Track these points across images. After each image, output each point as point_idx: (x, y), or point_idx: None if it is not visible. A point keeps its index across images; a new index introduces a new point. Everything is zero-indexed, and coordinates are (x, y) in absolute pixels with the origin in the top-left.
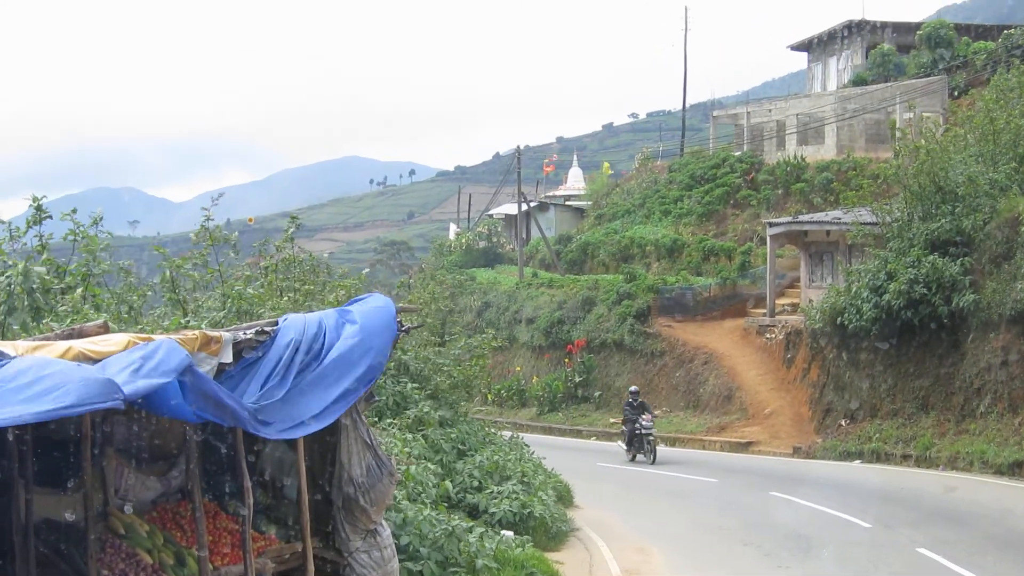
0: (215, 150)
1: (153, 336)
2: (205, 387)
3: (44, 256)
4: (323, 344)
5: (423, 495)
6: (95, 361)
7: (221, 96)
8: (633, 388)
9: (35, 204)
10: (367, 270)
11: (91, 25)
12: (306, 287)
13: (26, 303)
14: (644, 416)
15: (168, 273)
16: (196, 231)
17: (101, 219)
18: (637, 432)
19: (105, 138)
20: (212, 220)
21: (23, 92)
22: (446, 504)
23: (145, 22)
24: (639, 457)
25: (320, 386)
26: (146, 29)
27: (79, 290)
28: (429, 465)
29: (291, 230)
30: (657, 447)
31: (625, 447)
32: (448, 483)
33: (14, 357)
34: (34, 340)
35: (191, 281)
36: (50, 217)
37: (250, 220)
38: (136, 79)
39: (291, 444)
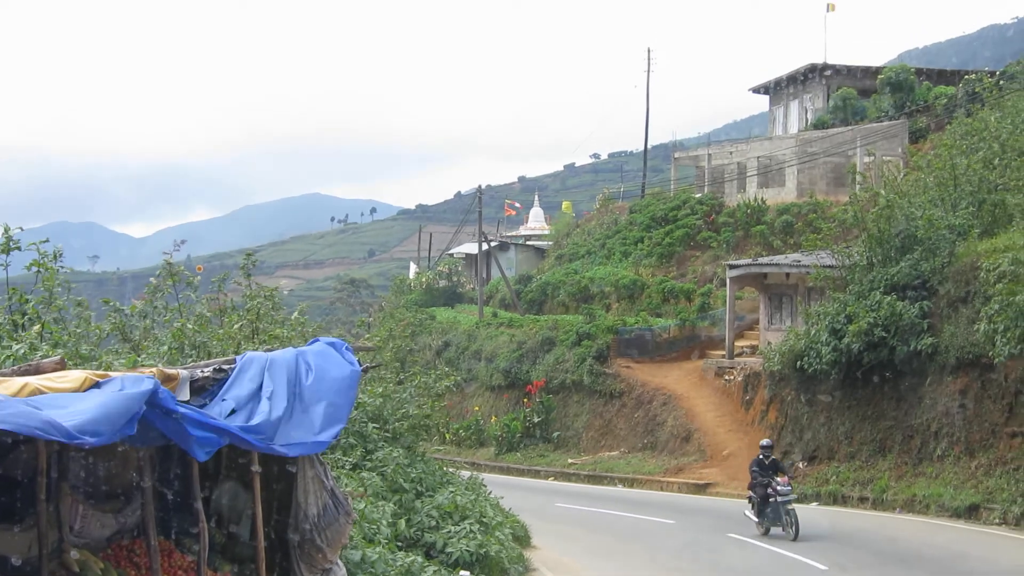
0: (181, 185)
1: (110, 373)
2: (171, 408)
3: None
4: (285, 382)
5: (379, 535)
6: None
7: (189, 132)
8: (765, 442)
9: (7, 235)
10: (298, 314)
11: (58, 58)
12: (271, 326)
13: None
14: (779, 479)
15: (119, 318)
16: (157, 269)
17: (61, 254)
18: (771, 499)
19: (70, 172)
20: (171, 258)
21: None
22: (400, 544)
23: (112, 57)
24: (774, 531)
25: (285, 422)
26: (114, 64)
27: (36, 327)
28: (388, 506)
29: (248, 267)
30: (798, 517)
31: (755, 518)
32: (403, 522)
33: None
34: None
35: (143, 323)
36: (19, 249)
37: (199, 268)
38: (104, 113)
39: (246, 483)
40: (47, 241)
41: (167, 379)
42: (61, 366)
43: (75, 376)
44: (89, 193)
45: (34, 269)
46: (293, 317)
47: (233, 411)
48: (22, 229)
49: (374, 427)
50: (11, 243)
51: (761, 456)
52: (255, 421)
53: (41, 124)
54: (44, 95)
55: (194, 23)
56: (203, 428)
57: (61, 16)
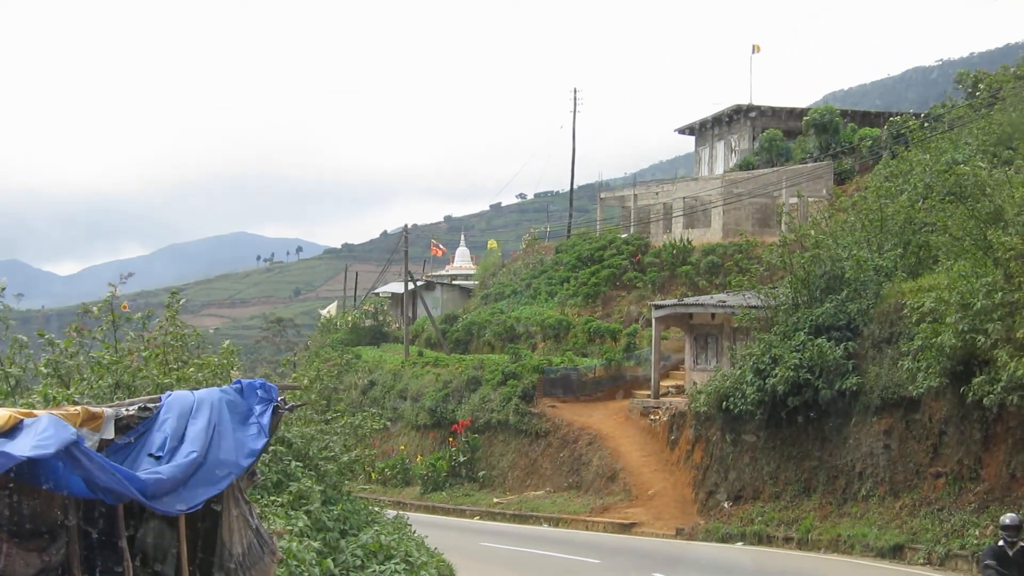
0: (109, 222)
1: (35, 412)
2: (89, 461)
3: None
4: (208, 421)
5: (305, 574)
6: None
7: (119, 168)
8: (1008, 519)
9: None
10: (224, 349)
11: None
12: (191, 363)
13: None
14: None
15: (53, 352)
16: (88, 306)
17: (3, 288)
18: None
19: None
20: (116, 290)
21: None
22: None
23: (39, 92)
24: None
25: (206, 463)
26: (41, 100)
27: None
28: (312, 543)
29: (175, 305)
30: None
31: None
32: (330, 561)
33: None
34: None
35: (75, 360)
36: None
37: (124, 307)
38: (32, 149)
39: (171, 522)
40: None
41: (92, 417)
42: None
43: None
44: (14, 230)
45: None
46: (210, 355)
47: (158, 456)
48: None
49: (298, 465)
50: None
51: (1006, 537)
52: (170, 470)
53: None
54: None
55: (124, 58)
56: (110, 487)
57: None
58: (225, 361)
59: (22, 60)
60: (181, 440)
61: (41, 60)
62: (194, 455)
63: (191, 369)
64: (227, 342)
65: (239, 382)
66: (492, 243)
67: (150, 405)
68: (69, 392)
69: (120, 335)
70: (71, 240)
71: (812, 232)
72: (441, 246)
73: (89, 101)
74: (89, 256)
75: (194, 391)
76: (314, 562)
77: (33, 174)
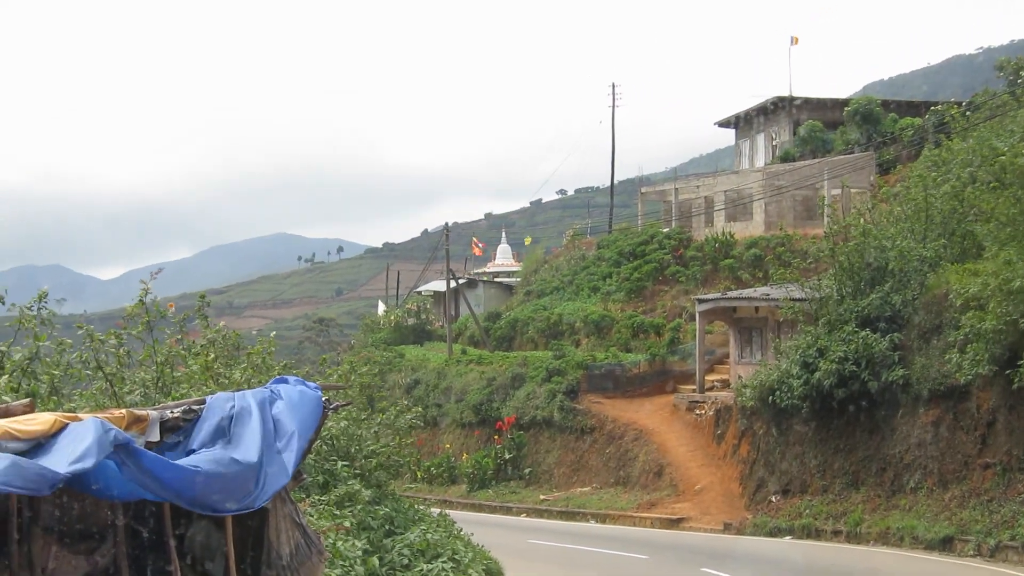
0: (152, 227)
1: (80, 415)
2: (142, 462)
3: None
4: (252, 421)
5: (351, 573)
6: (20, 440)
7: (165, 173)
8: None
9: None
10: (260, 346)
11: (41, 102)
12: (228, 368)
13: None
14: None
15: (90, 353)
16: (126, 308)
17: (46, 295)
18: None
19: (43, 214)
20: (148, 286)
21: None
22: None
23: (91, 101)
24: None
25: (252, 464)
26: (92, 108)
27: (4, 375)
28: (357, 542)
29: (201, 308)
30: None
31: None
32: (375, 560)
33: None
34: None
35: (116, 359)
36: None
37: (170, 306)
38: (82, 157)
39: (218, 523)
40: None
41: (137, 420)
42: (30, 409)
43: (44, 418)
44: (59, 235)
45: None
46: (253, 348)
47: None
48: None
49: (344, 465)
50: None
51: None
52: (210, 465)
53: (20, 167)
54: (25, 138)
55: (169, 63)
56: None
57: (45, 60)
58: (265, 354)
59: (69, 67)
60: (227, 441)
61: (88, 66)
62: (239, 456)
63: (236, 373)
64: (272, 333)
65: (283, 379)
66: (528, 240)
67: (195, 407)
68: (115, 394)
69: (160, 336)
70: (116, 244)
71: (857, 223)
72: (480, 244)
73: (135, 106)
74: (134, 259)
75: (237, 392)
76: (360, 561)
77: (80, 180)
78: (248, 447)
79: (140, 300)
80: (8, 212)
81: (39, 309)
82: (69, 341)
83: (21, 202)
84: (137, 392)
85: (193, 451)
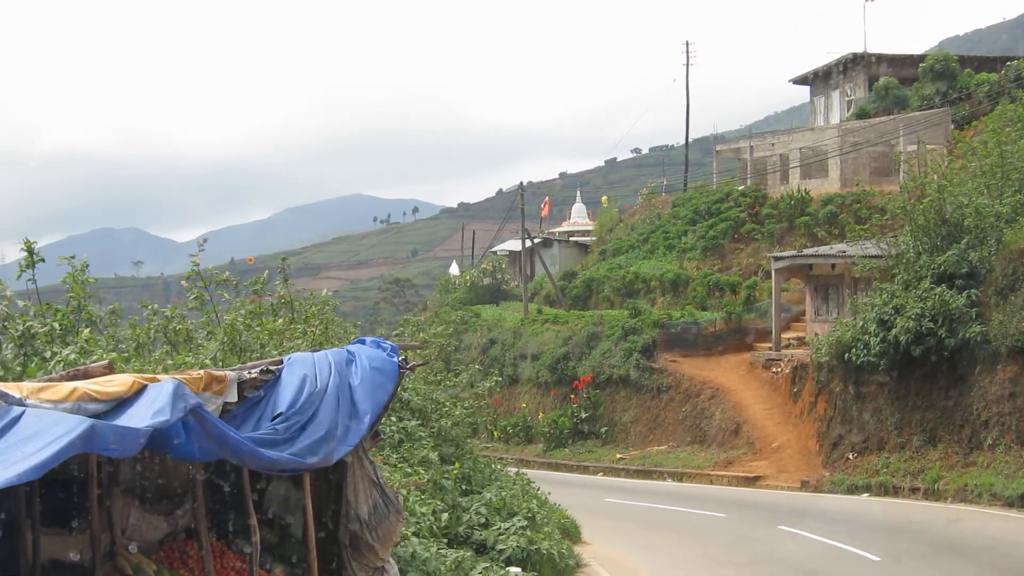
0: (229, 188)
1: (158, 376)
2: (210, 426)
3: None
4: (330, 382)
5: (426, 530)
6: (100, 401)
7: (245, 134)
8: None
9: (27, 247)
10: (329, 307)
11: (124, 65)
12: (308, 326)
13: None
14: None
15: (160, 320)
16: (187, 274)
17: (87, 266)
18: None
19: (124, 177)
20: (198, 258)
21: (59, 132)
22: (447, 540)
23: (174, 63)
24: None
25: (329, 423)
26: (174, 71)
27: (86, 331)
28: (435, 502)
29: (283, 269)
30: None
31: None
32: (451, 517)
33: (19, 398)
34: (40, 381)
35: (184, 324)
36: (43, 261)
37: (250, 260)
38: (165, 120)
39: (297, 482)
40: (73, 257)
41: (214, 381)
42: (109, 370)
43: (123, 380)
44: (139, 198)
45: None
46: (310, 307)
47: (280, 414)
48: (74, 233)
49: (417, 424)
50: (34, 257)
51: None
52: (304, 439)
53: (104, 132)
54: (110, 103)
55: (260, 27)
56: (229, 453)
57: (132, 25)
58: (323, 313)
59: (157, 32)
60: (303, 401)
61: (176, 31)
62: (316, 416)
63: (305, 333)
64: (324, 291)
65: (361, 340)
66: (604, 200)
67: (272, 368)
68: (190, 359)
69: (221, 302)
70: (195, 206)
71: (933, 179)
72: (545, 206)
73: (221, 70)
74: (212, 221)
75: (316, 352)
76: (435, 518)
77: (163, 144)
78: (325, 408)
79: (190, 272)
80: (91, 176)
81: (93, 278)
82: (119, 305)
83: (104, 166)
84: (206, 356)
85: (277, 415)
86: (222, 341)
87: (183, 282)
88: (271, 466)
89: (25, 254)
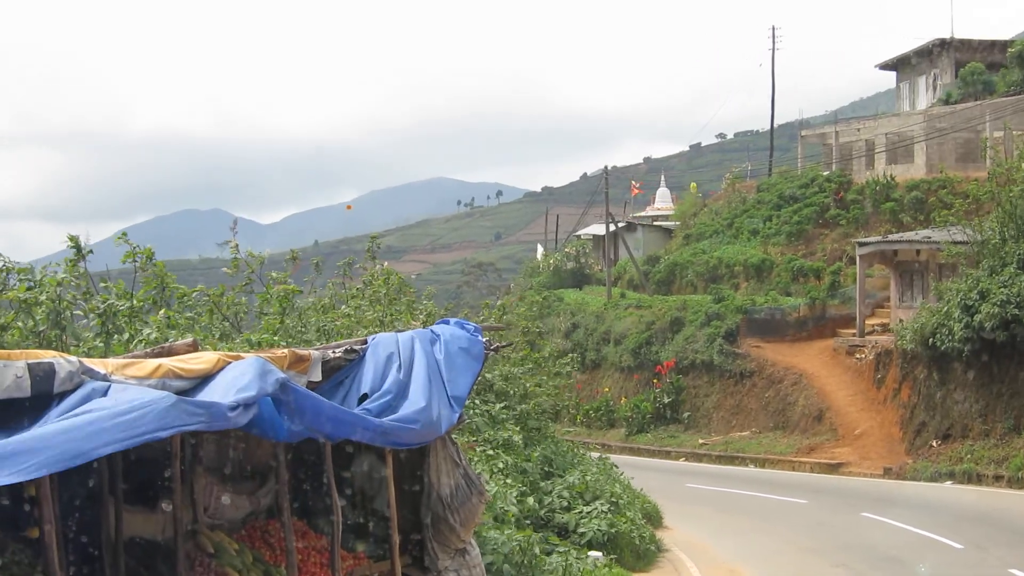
0: (321, 171)
1: (242, 354)
2: (302, 398)
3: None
4: (415, 361)
5: (508, 513)
6: (184, 378)
7: (338, 118)
8: None
9: (72, 244)
10: (425, 299)
11: (220, 47)
12: (392, 307)
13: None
14: None
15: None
16: (284, 255)
17: (153, 254)
18: None
19: (215, 158)
20: (234, 242)
21: (155, 116)
22: (529, 522)
23: (267, 46)
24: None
25: (415, 404)
26: (265, 53)
27: (163, 311)
28: (516, 486)
29: (372, 248)
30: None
31: None
32: (531, 499)
33: (104, 373)
34: (125, 358)
35: (274, 304)
36: (91, 252)
37: (348, 207)
38: (258, 101)
39: (379, 462)
40: (137, 246)
41: (299, 360)
42: (194, 348)
43: (208, 357)
44: (226, 180)
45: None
46: (421, 298)
47: (366, 396)
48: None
49: (501, 407)
50: (82, 251)
51: None
52: (399, 411)
53: (196, 114)
54: (203, 85)
55: (355, 11)
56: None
57: (228, 7)
58: (395, 294)
59: (251, 15)
60: (390, 382)
61: (271, 14)
62: (407, 397)
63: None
64: (393, 273)
65: (444, 321)
66: (692, 187)
67: (356, 347)
68: (276, 338)
69: (320, 280)
70: (282, 188)
71: (1020, 165)
72: (638, 184)
73: (314, 53)
74: (300, 203)
75: (401, 333)
76: (517, 501)
77: (253, 127)
78: (415, 392)
79: (234, 261)
80: (180, 158)
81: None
82: (186, 288)
83: (193, 147)
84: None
85: (365, 395)
86: (317, 318)
87: (224, 269)
88: (374, 435)
89: (119, 236)
